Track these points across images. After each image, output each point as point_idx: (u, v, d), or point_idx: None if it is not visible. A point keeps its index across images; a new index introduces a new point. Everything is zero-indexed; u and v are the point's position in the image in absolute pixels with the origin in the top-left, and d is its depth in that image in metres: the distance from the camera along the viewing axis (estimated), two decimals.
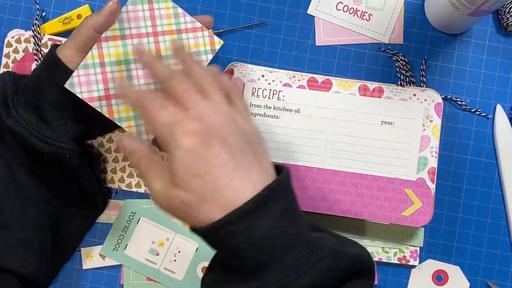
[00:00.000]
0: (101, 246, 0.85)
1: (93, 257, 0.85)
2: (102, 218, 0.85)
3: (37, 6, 0.86)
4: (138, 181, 0.84)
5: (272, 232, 0.58)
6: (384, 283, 0.85)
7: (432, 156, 0.82)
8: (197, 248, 0.85)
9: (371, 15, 0.87)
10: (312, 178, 0.82)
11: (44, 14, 0.86)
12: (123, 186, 0.84)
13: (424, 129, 0.82)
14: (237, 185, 0.59)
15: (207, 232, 0.59)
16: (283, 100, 0.83)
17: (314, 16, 0.87)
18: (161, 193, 0.61)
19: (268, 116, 0.83)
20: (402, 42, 0.87)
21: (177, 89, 0.63)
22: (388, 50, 0.86)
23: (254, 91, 0.83)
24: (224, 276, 0.62)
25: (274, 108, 0.83)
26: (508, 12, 0.84)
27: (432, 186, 0.81)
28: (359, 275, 0.62)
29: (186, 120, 0.60)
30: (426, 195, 0.81)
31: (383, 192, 0.81)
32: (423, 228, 0.84)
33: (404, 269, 0.85)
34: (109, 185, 0.84)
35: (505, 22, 0.85)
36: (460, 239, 0.86)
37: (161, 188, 0.61)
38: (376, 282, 0.85)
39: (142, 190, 0.84)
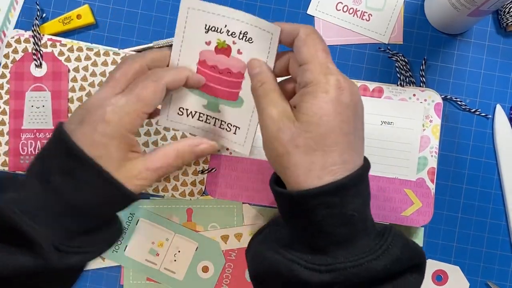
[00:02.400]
0: None
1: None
2: None
3: (38, 6, 0.86)
4: None
5: (359, 212, 0.58)
6: None
7: (432, 156, 0.82)
8: (197, 247, 0.85)
9: (371, 15, 0.87)
10: None
11: (44, 14, 0.86)
12: None
13: (424, 129, 0.82)
14: (347, 158, 0.58)
15: (303, 197, 0.58)
16: None
17: (314, 16, 0.87)
18: (274, 119, 0.60)
19: None
20: (402, 42, 0.87)
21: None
22: (388, 50, 0.86)
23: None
24: (288, 244, 0.62)
25: None
26: (508, 12, 0.84)
27: (432, 186, 0.82)
28: (416, 269, 0.62)
29: (342, 77, 0.60)
30: (426, 195, 0.81)
31: (383, 192, 0.81)
32: (422, 228, 0.84)
33: None
34: None
35: (505, 22, 0.85)
36: (460, 239, 0.86)
37: (277, 115, 0.60)
38: None
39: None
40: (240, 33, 0.67)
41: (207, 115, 0.73)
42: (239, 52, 0.68)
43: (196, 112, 0.73)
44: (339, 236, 0.58)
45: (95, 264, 0.85)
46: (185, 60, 0.70)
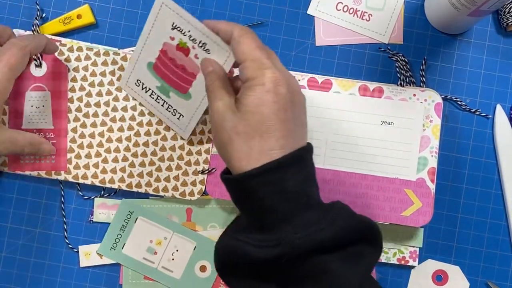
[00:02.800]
0: (99, 244, 0.85)
1: (90, 255, 0.86)
2: (101, 218, 0.86)
3: (38, 6, 0.86)
4: (139, 181, 0.84)
5: (300, 188, 0.62)
6: (384, 283, 0.85)
7: (432, 156, 0.82)
8: (195, 246, 0.85)
9: (371, 15, 0.87)
10: None
11: (44, 14, 0.86)
12: (124, 186, 0.84)
13: (424, 129, 0.82)
14: (284, 143, 0.63)
15: (249, 176, 0.62)
16: None
17: (314, 16, 0.87)
18: (220, 111, 0.66)
19: None
20: (402, 42, 0.87)
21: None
22: (388, 50, 0.86)
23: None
24: (243, 229, 0.66)
25: None
26: (508, 12, 0.84)
27: (432, 186, 0.82)
28: (367, 243, 0.65)
29: (277, 70, 0.65)
30: (426, 195, 0.81)
31: (383, 192, 0.81)
32: (422, 229, 0.84)
33: (404, 269, 0.85)
34: (109, 185, 0.84)
35: (505, 22, 0.85)
36: (460, 239, 0.86)
37: (222, 107, 0.66)
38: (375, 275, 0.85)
39: (142, 190, 0.84)
40: (200, 42, 0.75)
41: (158, 95, 0.83)
42: (196, 56, 0.76)
43: (150, 89, 0.83)
44: (283, 212, 0.62)
45: (93, 262, 0.86)
46: (150, 43, 0.80)
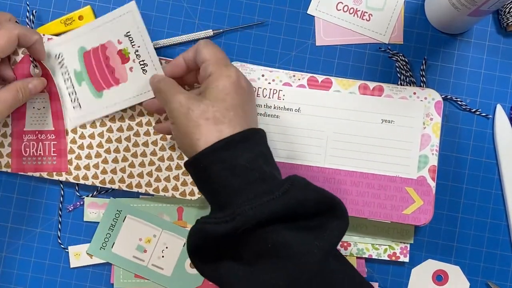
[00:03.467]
0: (89, 244, 0.86)
1: (80, 256, 0.86)
2: (91, 217, 0.86)
3: (28, 7, 0.86)
4: (139, 181, 0.84)
5: (250, 165, 0.66)
6: (384, 283, 0.85)
7: (432, 154, 0.82)
8: (185, 243, 0.85)
9: (371, 15, 0.87)
10: (312, 177, 0.82)
11: (35, 11, 0.86)
12: (124, 187, 0.84)
13: (425, 127, 0.82)
14: (239, 122, 0.69)
15: (204, 155, 0.66)
16: (283, 99, 0.83)
17: (314, 16, 0.87)
18: (183, 103, 0.69)
19: (268, 115, 0.83)
20: (402, 42, 0.87)
21: None
22: (388, 50, 0.86)
23: (254, 90, 0.83)
24: (210, 213, 0.69)
25: (274, 108, 0.83)
26: (508, 12, 0.85)
27: (433, 184, 0.81)
28: (331, 214, 0.66)
29: (232, 69, 0.72)
30: (427, 193, 0.81)
31: (384, 191, 0.81)
32: (413, 225, 0.84)
33: (404, 269, 0.86)
34: (110, 185, 0.84)
35: (505, 22, 0.85)
36: (460, 239, 0.86)
37: (185, 99, 0.70)
38: (365, 270, 0.85)
39: (142, 190, 0.84)
40: (142, 61, 0.82)
41: (70, 77, 0.84)
42: (130, 69, 0.82)
43: (66, 67, 0.84)
44: (234, 186, 0.65)
45: (83, 261, 0.86)
46: (96, 33, 0.83)
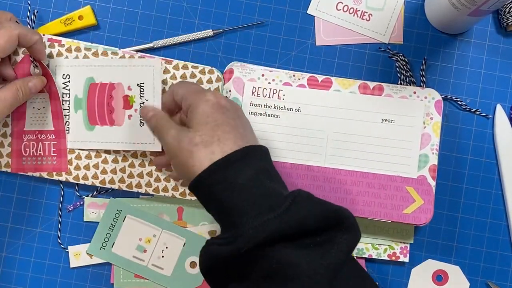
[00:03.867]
0: (89, 244, 0.86)
1: (80, 256, 0.86)
2: (91, 217, 0.86)
3: (29, 7, 0.86)
4: (139, 181, 0.84)
5: (250, 182, 0.65)
6: (384, 283, 0.85)
7: (433, 153, 0.82)
8: (185, 243, 0.85)
9: (371, 15, 0.87)
10: (313, 177, 0.82)
11: (36, 11, 0.86)
12: (124, 187, 0.84)
13: (425, 127, 0.82)
14: (241, 144, 0.68)
15: (201, 178, 0.66)
16: (283, 99, 0.83)
17: (314, 16, 0.87)
18: (174, 136, 0.70)
19: (269, 115, 0.83)
20: (402, 42, 0.87)
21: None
22: (388, 50, 0.86)
23: (254, 90, 0.83)
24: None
25: (274, 107, 0.83)
26: (508, 12, 0.85)
27: (433, 184, 0.81)
28: (338, 227, 0.64)
29: (209, 93, 0.72)
30: (427, 193, 0.81)
31: (384, 190, 0.81)
32: (413, 225, 0.84)
33: (404, 269, 0.86)
34: (110, 185, 0.84)
35: (505, 22, 0.85)
36: (460, 239, 0.86)
37: (175, 132, 0.70)
38: (365, 270, 0.85)
39: (142, 190, 0.84)
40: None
41: (69, 100, 0.84)
42: (129, 117, 0.83)
43: (69, 90, 0.84)
44: (236, 205, 0.64)
45: (83, 261, 0.86)
46: (111, 70, 0.83)
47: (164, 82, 0.83)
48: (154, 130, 0.75)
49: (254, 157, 0.68)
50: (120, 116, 0.83)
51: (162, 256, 0.85)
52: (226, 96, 0.75)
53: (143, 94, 0.82)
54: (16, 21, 0.83)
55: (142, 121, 0.82)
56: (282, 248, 0.62)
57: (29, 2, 0.87)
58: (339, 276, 0.62)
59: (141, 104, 0.82)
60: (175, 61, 0.83)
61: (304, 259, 0.61)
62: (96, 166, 0.84)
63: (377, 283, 0.85)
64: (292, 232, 0.62)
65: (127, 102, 0.83)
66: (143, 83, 0.82)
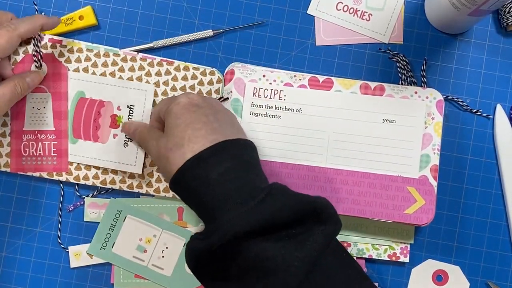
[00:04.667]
0: (89, 244, 0.86)
1: (80, 256, 0.86)
2: (92, 217, 0.86)
3: (36, 6, 0.86)
4: (140, 181, 0.84)
5: (225, 176, 0.66)
6: (384, 283, 0.85)
7: (434, 153, 0.82)
8: (185, 243, 0.85)
9: (371, 15, 0.87)
10: (314, 177, 0.82)
11: (43, 13, 0.86)
12: (125, 187, 0.84)
13: (426, 127, 0.82)
14: (214, 138, 0.68)
15: (177, 178, 0.68)
16: (284, 99, 0.83)
17: (314, 16, 0.87)
18: (154, 145, 0.73)
19: (270, 116, 0.83)
20: (402, 42, 0.87)
21: None
22: (388, 51, 0.86)
23: (255, 91, 0.83)
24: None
25: (275, 108, 0.83)
26: (508, 12, 0.85)
27: (435, 184, 0.81)
28: (315, 219, 0.64)
29: (181, 96, 0.73)
30: (429, 193, 0.81)
31: (385, 190, 0.81)
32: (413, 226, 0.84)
33: (404, 269, 0.86)
34: (110, 186, 0.84)
35: (505, 22, 0.85)
36: (460, 239, 0.86)
37: (155, 141, 0.73)
38: (365, 270, 0.85)
39: (143, 190, 0.84)
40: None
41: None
42: (114, 136, 0.83)
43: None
44: (210, 200, 0.65)
45: (83, 262, 0.86)
46: (103, 88, 0.84)
47: (165, 83, 0.83)
48: (140, 144, 0.79)
49: (229, 151, 0.68)
50: (106, 134, 0.84)
51: (162, 256, 0.85)
52: (209, 95, 0.77)
53: (132, 116, 0.83)
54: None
55: (126, 142, 0.83)
56: (259, 242, 0.62)
57: (35, 2, 0.86)
58: (319, 268, 0.62)
59: (129, 118, 0.84)
60: (176, 62, 0.84)
61: (279, 252, 0.62)
62: (97, 166, 0.84)
63: (377, 283, 0.85)
64: (268, 225, 0.62)
65: (114, 122, 0.84)
66: (133, 106, 0.83)
